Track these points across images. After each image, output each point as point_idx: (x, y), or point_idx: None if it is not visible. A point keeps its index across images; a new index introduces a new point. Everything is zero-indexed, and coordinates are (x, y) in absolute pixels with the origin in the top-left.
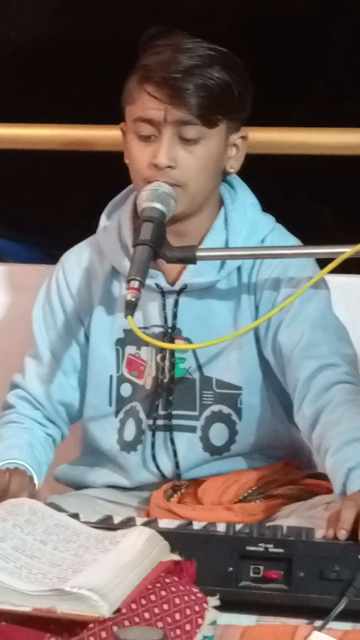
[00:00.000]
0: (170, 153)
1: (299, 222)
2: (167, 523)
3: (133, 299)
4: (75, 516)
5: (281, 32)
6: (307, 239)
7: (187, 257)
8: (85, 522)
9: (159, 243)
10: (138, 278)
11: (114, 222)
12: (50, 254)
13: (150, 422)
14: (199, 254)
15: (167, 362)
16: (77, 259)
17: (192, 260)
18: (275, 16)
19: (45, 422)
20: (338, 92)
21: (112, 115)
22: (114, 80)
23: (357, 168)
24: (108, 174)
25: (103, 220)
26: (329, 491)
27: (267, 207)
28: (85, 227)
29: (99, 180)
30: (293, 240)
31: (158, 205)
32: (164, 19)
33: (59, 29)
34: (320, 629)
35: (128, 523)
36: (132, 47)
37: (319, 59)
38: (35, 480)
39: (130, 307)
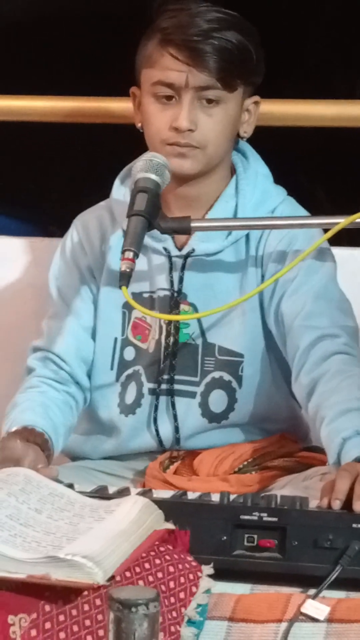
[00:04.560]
0: (192, 116)
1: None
2: (161, 493)
3: (128, 270)
4: (70, 486)
5: (271, 7)
6: None
7: (182, 228)
8: (80, 492)
9: (154, 214)
10: (132, 249)
11: (127, 188)
12: (45, 230)
13: (154, 385)
14: (193, 224)
15: (171, 327)
16: (90, 221)
17: (187, 231)
18: None
19: (67, 381)
20: (327, 67)
21: (109, 87)
22: (110, 52)
23: (352, 143)
24: (102, 148)
25: (117, 185)
26: (324, 464)
27: None
28: (78, 202)
29: (92, 155)
30: (303, 213)
31: (153, 176)
32: None
33: (50, 3)
34: (313, 597)
35: (123, 493)
36: (124, 21)
37: (308, 34)
38: (52, 443)
39: (125, 278)
